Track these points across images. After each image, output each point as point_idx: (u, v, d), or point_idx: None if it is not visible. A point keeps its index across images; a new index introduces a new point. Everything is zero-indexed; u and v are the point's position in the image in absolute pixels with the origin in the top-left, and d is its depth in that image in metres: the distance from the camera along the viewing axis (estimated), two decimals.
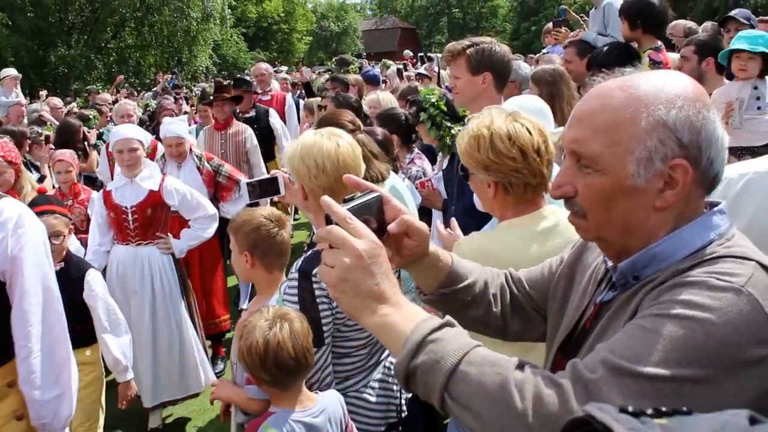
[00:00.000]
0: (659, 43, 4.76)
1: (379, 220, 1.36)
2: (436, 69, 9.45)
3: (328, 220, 1.22)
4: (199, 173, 5.36)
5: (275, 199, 3.13)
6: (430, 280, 1.57)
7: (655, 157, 1.16)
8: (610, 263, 1.33)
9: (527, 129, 2.12)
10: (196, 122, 8.22)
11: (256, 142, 6.42)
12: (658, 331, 1.04)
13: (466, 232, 2.74)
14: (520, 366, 1.09)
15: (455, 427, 2.46)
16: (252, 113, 7.28)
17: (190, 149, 5.43)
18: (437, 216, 4.27)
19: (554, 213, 2.22)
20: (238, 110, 6.96)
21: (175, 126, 5.32)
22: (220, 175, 5.43)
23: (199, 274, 5.40)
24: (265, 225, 2.63)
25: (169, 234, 4.58)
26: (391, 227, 1.38)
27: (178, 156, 5.33)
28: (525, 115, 2.20)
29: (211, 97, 6.87)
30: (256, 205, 3.08)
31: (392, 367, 2.50)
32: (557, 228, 2.18)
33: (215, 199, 5.39)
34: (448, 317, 1.20)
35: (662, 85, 1.19)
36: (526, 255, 2.09)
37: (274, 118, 7.39)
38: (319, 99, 8.05)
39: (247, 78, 7.43)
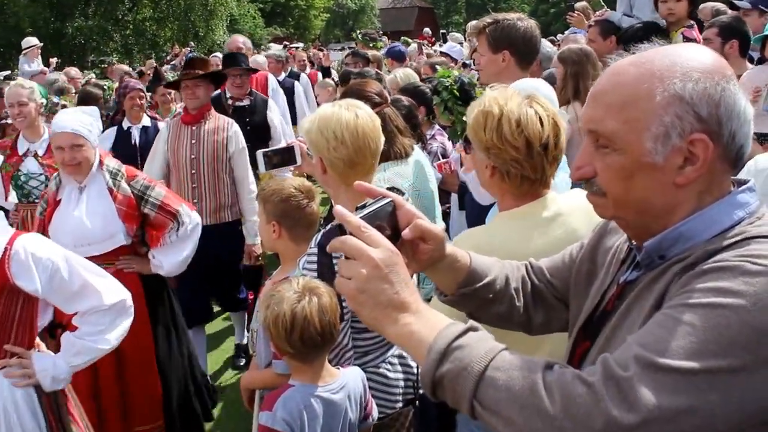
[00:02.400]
0: (691, 21, 4.72)
1: (392, 226, 1.33)
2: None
3: (342, 230, 1.20)
4: (111, 200, 3.44)
5: (291, 169, 3.05)
6: (450, 282, 1.55)
7: (672, 133, 1.13)
8: (634, 243, 1.31)
9: (540, 119, 2.00)
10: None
11: (243, 143, 4.75)
12: (691, 321, 1.01)
13: (480, 216, 2.71)
14: (549, 367, 1.06)
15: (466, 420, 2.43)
16: (246, 101, 5.70)
17: (100, 161, 3.47)
18: (455, 200, 4.27)
19: (556, 201, 2.13)
20: (229, 96, 5.66)
21: (70, 118, 3.39)
22: (147, 203, 3.48)
23: (115, 377, 3.50)
24: (295, 196, 2.62)
25: (37, 344, 2.65)
26: (405, 233, 1.36)
27: (75, 170, 3.39)
28: (542, 100, 2.08)
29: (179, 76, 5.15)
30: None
31: None
32: (559, 218, 2.09)
33: (142, 243, 3.63)
34: (471, 322, 1.18)
35: (677, 58, 1.17)
36: (527, 248, 2.00)
37: (273, 113, 5.79)
38: (330, 81, 8.04)
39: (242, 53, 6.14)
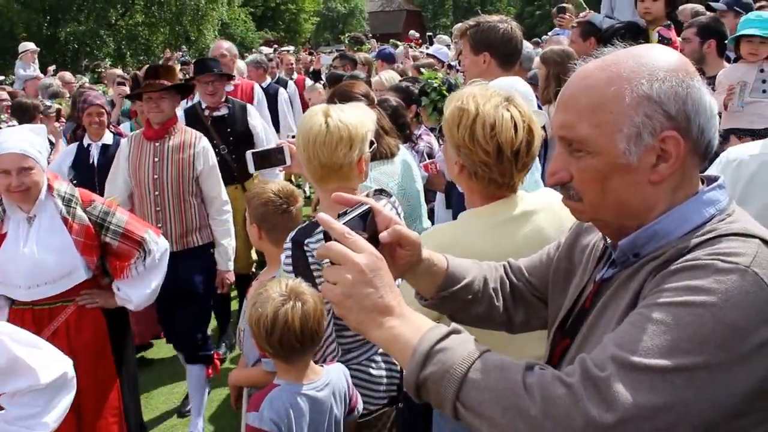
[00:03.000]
0: (668, 21, 4.85)
1: (372, 231, 1.36)
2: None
3: (327, 237, 1.22)
4: (66, 231, 3.05)
5: (280, 169, 3.09)
6: (428, 286, 1.57)
7: (644, 132, 1.16)
8: (609, 241, 1.34)
9: (515, 124, 1.96)
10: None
11: (214, 160, 4.36)
12: (664, 320, 1.03)
13: None
14: (529, 368, 1.07)
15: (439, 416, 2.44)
16: (224, 110, 5.23)
17: (49, 186, 3.07)
18: (440, 198, 4.27)
19: (523, 200, 2.11)
20: (204, 107, 5.23)
21: (17, 137, 3.00)
22: (108, 231, 3.14)
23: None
24: (273, 201, 2.65)
25: None
26: (383, 236, 1.38)
27: (23, 197, 2.99)
28: (519, 102, 2.04)
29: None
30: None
31: None
32: (527, 216, 2.08)
33: (104, 273, 3.29)
34: (454, 325, 1.19)
35: (642, 59, 1.20)
36: (493, 246, 1.99)
37: (254, 118, 5.37)
38: (320, 84, 8.12)
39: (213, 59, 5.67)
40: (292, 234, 2.34)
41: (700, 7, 6.25)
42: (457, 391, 1.08)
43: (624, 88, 1.17)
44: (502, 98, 2.01)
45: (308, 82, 9.37)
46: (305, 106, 8.31)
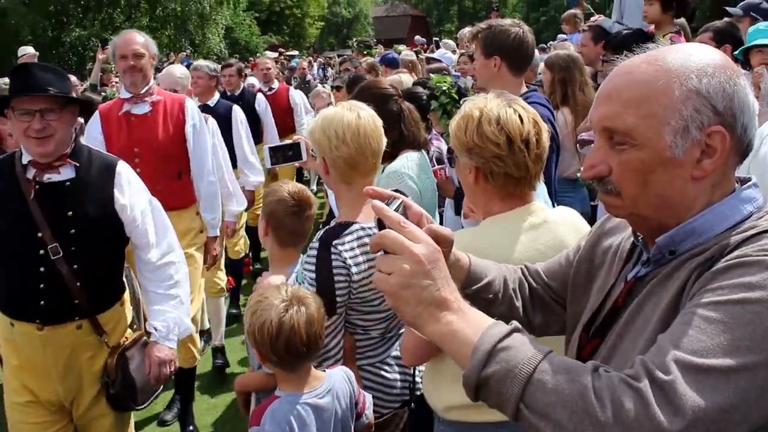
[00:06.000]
0: (677, 27, 4.83)
1: None
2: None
3: (381, 225, 1.18)
4: None
5: (297, 165, 3.13)
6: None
7: (691, 126, 1.15)
8: (640, 239, 1.33)
9: (519, 116, 2.01)
10: None
11: None
12: (722, 318, 1.02)
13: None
14: (596, 370, 1.05)
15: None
16: (66, 173, 2.73)
17: None
18: (449, 204, 4.27)
19: (543, 210, 2.13)
20: (27, 161, 2.66)
21: None
22: None
23: None
24: (285, 200, 2.63)
25: None
26: None
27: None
28: (522, 102, 2.10)
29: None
30: None
31: None
32: (546, 225, 2.09)
33: None
34: (515, 323, 1.15)
35: (689, 55, 1.20)
36: (513, 251, 2.02)
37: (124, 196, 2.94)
38: (321, 88, 8.15)
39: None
40: (320, 233, 2.33)
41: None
42: (521, 391, 1.05)
43: (673, 82, 1.16)
44: (503, 99, 2.05)
45: (293, 91, 8.36)
46: (285, 125, 7.54)
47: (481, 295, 1.56)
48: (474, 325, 1.13)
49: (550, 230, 2.08)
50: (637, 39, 4.55)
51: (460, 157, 2.09)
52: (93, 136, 4.07)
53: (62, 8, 27.49)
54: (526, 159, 2.02)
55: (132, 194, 2.87)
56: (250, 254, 7.21)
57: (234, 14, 34.91)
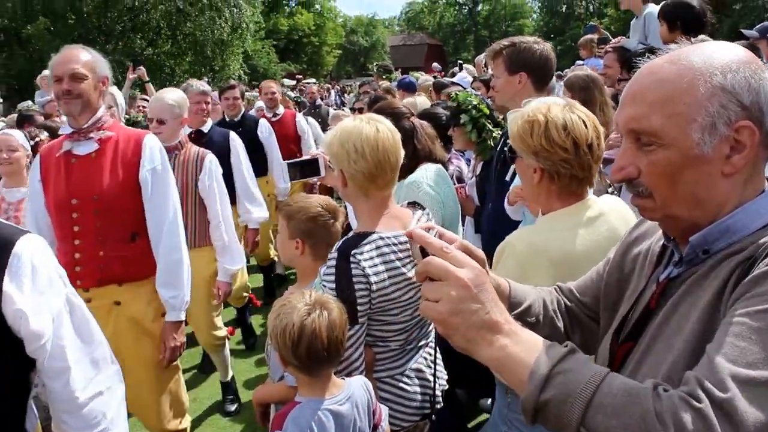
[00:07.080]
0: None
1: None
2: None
3: (424, 253, 1.18)
4: None
5: (315, 180, 3.14)
6: None
7: (718, 122, 1.15)
8: (672, 240, 1.31)
9: (583, 122, 2.13)
10: None
11: None
12: None
13: (495, 237, 2.67)
14: (655, 390, 1.03)
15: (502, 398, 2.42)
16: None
17: None
18: (469, 222, 4.31)
19: (597, 202, 2.25)
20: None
21: None
22: None
23: None
24: (322, 215, 2.62)
25: None
26: None
27: None
28: (582, 107, 2.20)
29: None
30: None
31: (429, 356, 2.51)
32: (602, 217, 2.20)
33: None
34: (570, 344, 1.13)
35: (713, 52, 1.20)
36: (574, 244, 2.12)
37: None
38: (340, 111, 8.25)
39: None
40: (338, 244, 2.33)
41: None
42: (582, 415, 1.03)
43: (697, 80, 1.17)
44: (563, 104, 2.17)
45: (300, 117, 7.88)
46: (291, 155, 6.77)
47: (524, 318, 1.53)
48: (529, 347, 1.11)
49: (606, 221, 2.20)
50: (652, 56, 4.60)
51: (525, 158, 2.20)
52: (32, 185, 3.28)
53: (86, 34, 28.07)
54: (590, 161, 2.16)
55: (36, 290, 1.70)
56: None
57: (253, 42, 35.50)
